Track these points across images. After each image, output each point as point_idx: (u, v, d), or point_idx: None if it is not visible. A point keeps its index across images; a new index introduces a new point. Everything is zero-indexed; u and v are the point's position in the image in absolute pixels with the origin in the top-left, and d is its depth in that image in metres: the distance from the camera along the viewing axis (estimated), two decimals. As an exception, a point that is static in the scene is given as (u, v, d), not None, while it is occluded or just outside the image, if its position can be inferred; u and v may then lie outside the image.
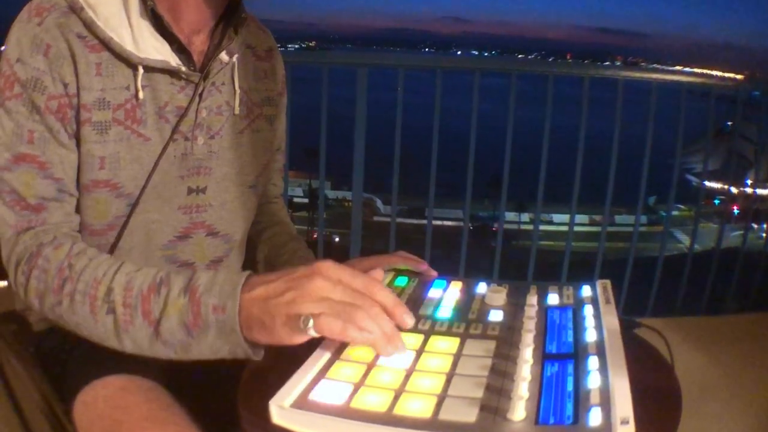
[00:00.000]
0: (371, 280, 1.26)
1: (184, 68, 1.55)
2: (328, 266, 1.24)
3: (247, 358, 1.26)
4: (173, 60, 1.54)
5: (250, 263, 1.93)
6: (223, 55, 1.63)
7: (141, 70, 1.50)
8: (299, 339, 1.19)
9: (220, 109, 1.66)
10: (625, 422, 0.97)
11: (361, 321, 1.17)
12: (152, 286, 1.31)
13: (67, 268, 1.38)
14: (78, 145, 1.49)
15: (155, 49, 1.51)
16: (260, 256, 1.91)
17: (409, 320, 1.27)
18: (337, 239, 34.47)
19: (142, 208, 1.58)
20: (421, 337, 1.30)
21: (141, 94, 1.51)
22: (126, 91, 1.51)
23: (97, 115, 1.48)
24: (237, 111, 1.69)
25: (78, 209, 1.54)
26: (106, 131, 1.49)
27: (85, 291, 1.34)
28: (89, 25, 1.46)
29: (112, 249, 1.58)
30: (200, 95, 1.60)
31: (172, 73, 1.55)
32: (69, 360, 1.53)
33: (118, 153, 1.51)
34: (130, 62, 1.49)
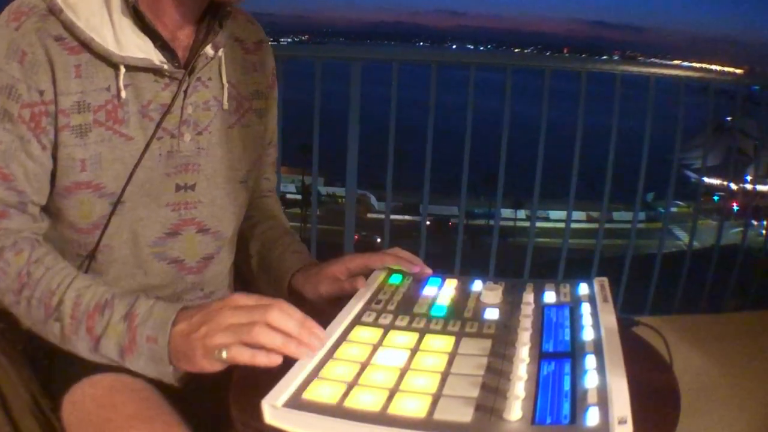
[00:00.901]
0: (273, 301, 1.33)
1: (167, 65, 1.54)
2: (236, 297, 1.34)
3: (167, 381, 1.40)
4: (156, 57, 1.53)
5: (243, 258, 1.93)
6: (209, 50, 1.61)
7: (123, 70, 1.50)
8: (219, 367, 1.30)
9: (208, 105, 1.65)
10: (622, 422, 0.97)
11: (260, 336, 1.26)
12: (98, 305, 1.41)
13: (26, 275, 1.45)
14: (56, 150, 1.49)
15: (138, 47, 1.50)
16: (253, 250, 1.91)
17: (313, 324, 1.32)
18: (378, 240, 34.68)
19: (129, 206, 1.57)
20: (415, 336, 1.30)
21: (123, 94, 1.51)
22: (106, 92, 1.50)
23: (75, 119, 1.48)
24: (225, 106, 1.69)
25: (61, 209, 1.55)
26: (86, 134, 1.49)
27: (40, 298, 1.44)
28: (69, 27, 1.45)
29: (98, 247, 1.59)
30: (185, 91, 1.59)
31: (155, 70, 1.54)
32: (57, 359, 1.53)
33: (100, 154, 1.51)
34: (111, 62, 1.49)
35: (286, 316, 1.28)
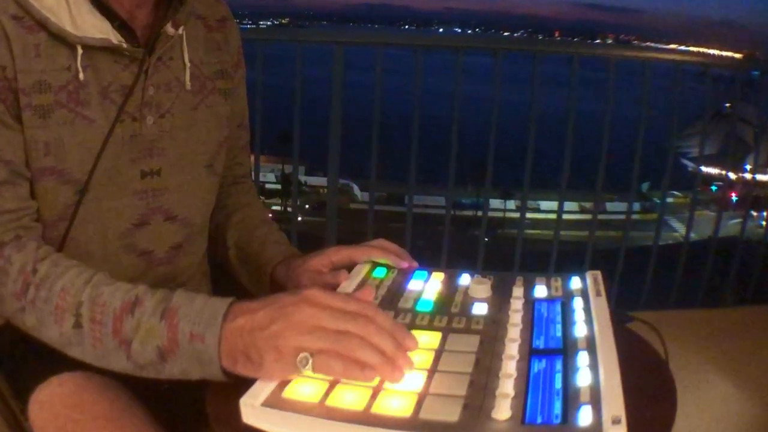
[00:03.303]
0: (365, 303, 1.26)
1: (126, 45, 1.54)
2: (316, 293, 1.22)
3: (217, 380, 1.24)
4: (114, 37, 1.52)
5: (220, 250, 1.93)
6: (169, 28, 1.61)
7: (80, 50, 1.49)
8: (293, 375, 1.16)
9: (170, 86, 1.65)
10: (616, 422, 0.97)
11: (357, 350, 1.15)
12: (126, 305, 1.30)
13: (31, 273, 1.38)
14: (22, 129, 1.48)
15: (95, 27, 1.50)
16: (230, 242, 1.90)
17: (412, 343, 1.23)
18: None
19: (94, 195, 1.56)
20: (400, 332, 1.30)
21: (81, 75, 1.50)
22: (67, 71, 1.49)
23: (37, 98, 1.47)
24: (188, 86, 1.68)
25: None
26: (48, 115, 1.48)
27: (48, 298, 1.34)
28: (24, 6, 1.44)
29: (65, 241, 1.58)
30: (146, 72, 1.59)
31: (114, 51, 1.54)
32: (24, 356, 1.53)
33: (62, 138, 1.50)
34: (68, 42, 1.48)
35: (384, 333, 1.18)
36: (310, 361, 1.14)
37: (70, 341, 1.33)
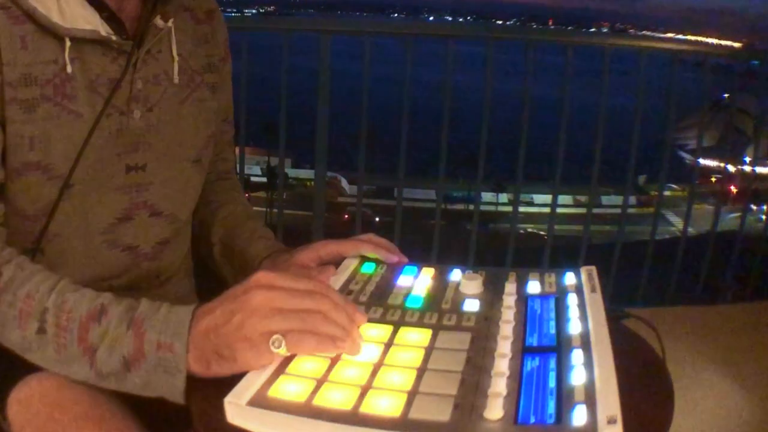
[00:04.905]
0: (315, 282, 1.29)
1: (114, 37, 1.54)
2: (263, 276, 1.25)
3: (172, 400, 1.25)
4: (103, 29, 1.52)
5: (204, 246, 1.93)
6: (158, 20, 1.61)
7: (68, 42, 1.49)
8: (267, 361, 1.18)
9: (158, 79, 1.65)
10: (612, 421, 0.97)
11: (322, 326, 1.20)
12: (92, 313, 1.30)
13: None
14: (4, 126, 1.48)
15: (83, 19, 1.49)
16: (215, 238, 1.90)
17: (362, 318, 1.29)
18: (377, 219, 35.16)
19: (78, 190, 1.56)
20: (390, 329, 1.30)
21: (69, 68, 1.49)
22: (54, 64, 1.49)
23: (23, 92, 1.46)
24: (176, 80, 1.68)
25: (8, 194, 1.53)
26: (33, 109, 1.48)
27: (12, 302, 1.33)
28: None
29: (47, 236, 1.57)
30: (134, 65, 1.59)
31: (103, 43, 1.54)
32: (1, 354, 1.52)
33: (48, 132, 1.49)
34: (56, 34, 1.48)
35: (339, 307, 1.24)
36: (284, 342, 1.17)
37: (31, 346, 1.33)
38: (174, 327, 1.23)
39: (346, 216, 35.49)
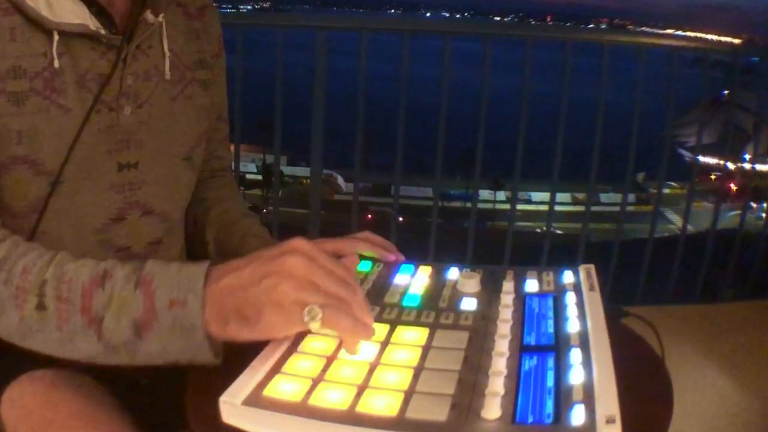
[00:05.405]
0: (350, 271, 1.29)
1: (104, 31, 1.53)
2: (300, 242, 1.22)
3: (204, 362, 1.22)
4: (92, 23, 1.51)
5: (199, 245, 1.92)
6: (149, 15, 1.60)
7: (56, 36, 1.48)
8: (292, 330, 1.19)
9: (149, 75, 1.64)
10: (610, 421, 0.97)
11: (362, 311, 1.21)
12: (95, 278, 1.26)
13: None
14: None
15: (72, 12, 1.49)
16: (209, 236, 1.90)
17: (372, 321, 1.28)
18: (401, 219, 35.13)
19: (70, 189, 1.55)
20: (386, 328, 1.30)
21: (56, 63, 1.49)
22: (43, 57, 1.48)
23: (11, 84, 1.45)
24: (167, 76, 1.68)
25: None
26: (22, 102, 1.46)
27: (8, 280, 1.29)
28: None
29: (34, 234, 1.56)
30: (124, 60, 1.58)
31: (92, 37, 1.53)
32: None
33: (37, 126, 1.48)
34: (45, 27, 1.47)
35: (365, 307, 1.24)
36: (320, 315, 1.15)
37: (31, 327, 1.27)
38: (187, 282, 1.20)
39: (369, 216, 35.38)
